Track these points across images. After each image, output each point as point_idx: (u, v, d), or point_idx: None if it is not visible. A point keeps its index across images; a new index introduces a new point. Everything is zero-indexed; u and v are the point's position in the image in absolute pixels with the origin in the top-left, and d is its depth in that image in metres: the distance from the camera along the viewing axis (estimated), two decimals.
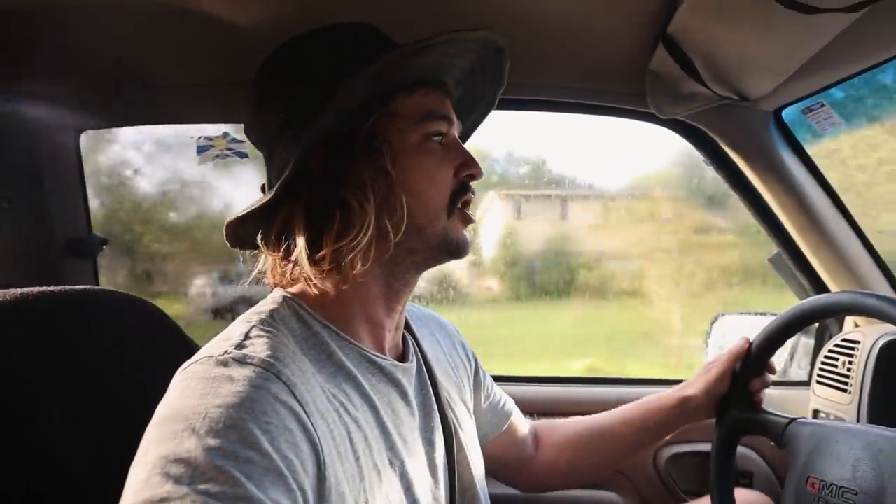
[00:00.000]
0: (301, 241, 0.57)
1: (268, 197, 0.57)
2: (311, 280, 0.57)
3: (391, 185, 0.58)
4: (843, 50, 0.81)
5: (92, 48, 0.97)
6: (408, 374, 0.65)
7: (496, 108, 0.77)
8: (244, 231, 0.62)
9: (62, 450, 0.57)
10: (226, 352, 0.49)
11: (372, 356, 0.61)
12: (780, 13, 0.66)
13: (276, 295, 0.61)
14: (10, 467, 0.53)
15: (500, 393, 0.91)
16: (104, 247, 1.28)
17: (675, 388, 0.91)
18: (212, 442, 0.40)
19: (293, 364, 0.50)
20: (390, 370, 0.62)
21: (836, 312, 0.80)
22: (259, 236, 0.63)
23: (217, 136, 1.23)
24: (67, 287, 0.68)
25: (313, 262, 0.56)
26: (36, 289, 0.64)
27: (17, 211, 1.13)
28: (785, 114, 1.10)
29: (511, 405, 0.92)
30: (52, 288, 0.66)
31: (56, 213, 1.22)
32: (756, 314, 1.49)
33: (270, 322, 0.55)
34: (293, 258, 0.58)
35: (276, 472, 0.42)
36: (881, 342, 1.06)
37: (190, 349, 0.76)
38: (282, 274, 0.61)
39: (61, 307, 0.66)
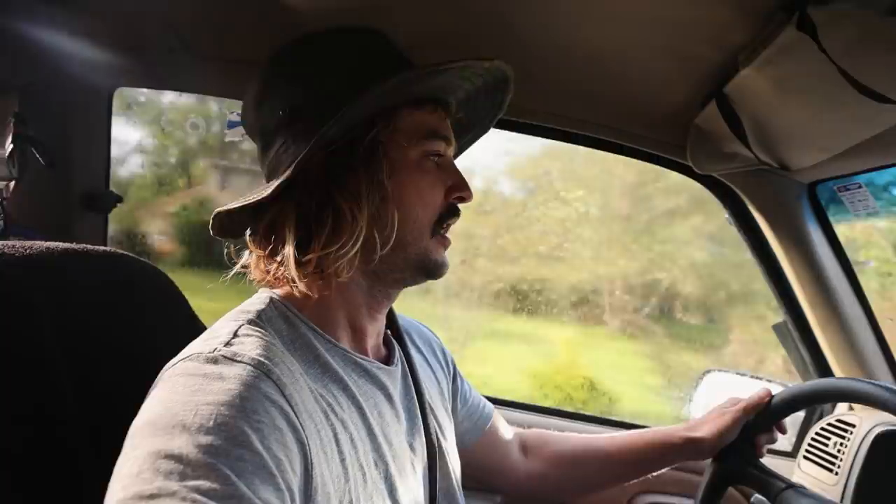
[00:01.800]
0: (290, 243, 0.57)
1: (264, 193, 0.56)
2: (294, 282, 0.57)
3: (385, 198, 0.58)
4: (888, 140, 0.81)
5: (141, 7, 0.96)
6: (392, 378, 0.65)
7: (541, 135, 0.77)
8: (231, 222, 0.61)
9: (63, 411, 0.55)
10: (215, 349, 0.49)
11: (357, 358, 0.61)
12: (848, 96, 0.66)
13: (263, 295, 0.61)
14: (9, 421, 0.51)
15: (478, 397, 0.91)
16: (118, 204, 1.27)
17: (682, 427, 0.91)
18: (203, 439, 0.40)
19: (282, 364, 0.50)
20: (375, 372, 0.63)
21: (871, 403, 0.77)
22: (248, 231, 0.63)
23: None
24: (89, 247, 0.66)
25: (299, 264, 0.56)
26: (60, 245, 0.62)
27: (44, 158, 1.11)
28: (819, 189, 1.10)
29: (491, 409, 0.92)
30: (75, 246, 0.64)
31: (78, 165, 1.21)
32: (744, 375, 1.50)
33: (258, 322, 0.55)
34: (279, 258, 0.58)
35: (265, 470, 0.42)
36: (877, 430, 1.05)
37: (195, 324, 0.76)
38: (265, 271, 0.60)
39: (85, 265, 0.64)
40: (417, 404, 0.69)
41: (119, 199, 1.27)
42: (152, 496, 0.37)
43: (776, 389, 0.91)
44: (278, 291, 0.61)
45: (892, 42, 0.60)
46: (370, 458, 0.57)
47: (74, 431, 0.55)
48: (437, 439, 0.70)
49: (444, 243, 0.64)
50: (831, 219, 1.12)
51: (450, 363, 0.86)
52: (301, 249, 0.57)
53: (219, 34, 1.03)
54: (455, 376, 0.86)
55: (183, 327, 0.73)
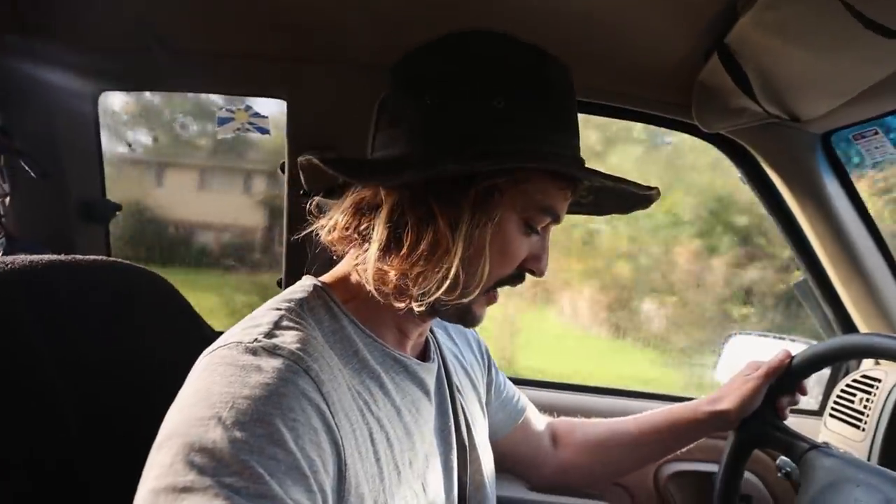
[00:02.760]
0: (376, 239, 0.54)
1: (383, 176, 0.54)
2: (368, 281, 0.55)
3: (482, 249, 0.55)
4: None
5: (118, 7, 0.95)
6: (430, 374, 0.65)
7: None
8: (316, 176, 0.58)
9: (65, 420, 0.56)
10: (255, 339, 0.48)
11: (397, 355, 0.60)
12: (855, 34, 0.62)
13: (307, 283, 0.59)
14: (12, 434, 0.52)
15: (512, 389, 0.90)
16: (117, 213, 1.26)
17: (704, 400, 0.89)
18: (238, 434, 0.40)
19: (322, 359, 0.49)
20: (415, 369, 0.62)
21: (891, 357, 0.76)
22: (341, 194, 0.59)
23: (239, 109, 1.22)
24: (78, 257, 0.66)
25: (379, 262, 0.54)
26: (45, 257, 0.62)
27: (34, 170, 1.11)
28: (834, 139, 1.06)
29: (525, 401, 0.92)
30: (62, 257, 0.64)
31: (71, 175, 1.20)
32: (770, 336, 1.47)
33: (300, 312, 0.54)
34: (363, 246, 0.56)
35: (298, 471, 0.41)
36: None
37: (200, 326, 0.76)
38: (344, 239, 0.58)
39: (71, 277, 0.64)
40: (450, 400, 0.68)
41: (117, 208, 1.25)
42: (185, 489, 0.37)
43: (798, 349, 0.89)
44: (326, 278, 0.60)
45: None
46: (406, 456, 0.56)
47: (77, 445, 0.56)
48: (469, 433, 0.70)
49: (491, 300, 0.61)
50: (848, 169, 1.08)
51: (485, 354, 0.85)
52: (385, 251, 0.54)
53: (197, 29, 1.02)
54: (490, 367, 0.86)
55: (186, 330, 0.73)
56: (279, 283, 1.27)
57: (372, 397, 0.55)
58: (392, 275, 0.54)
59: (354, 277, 0.60)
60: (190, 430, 0.40)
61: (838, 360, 0.81)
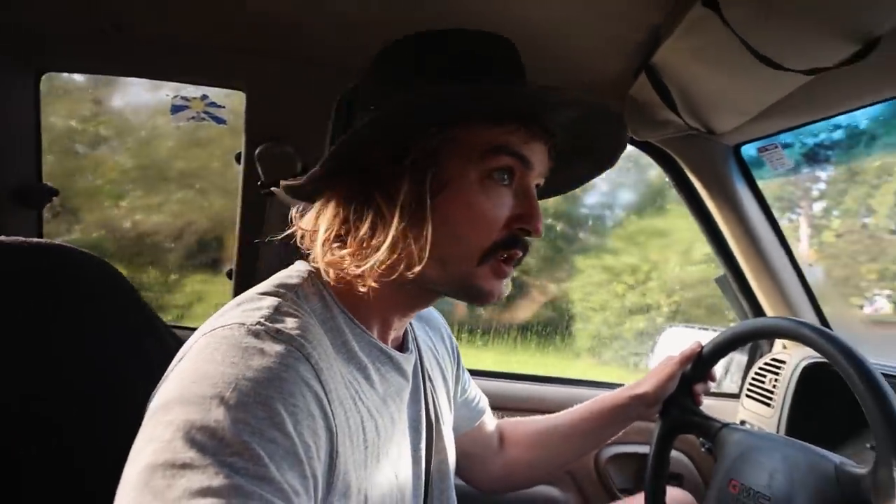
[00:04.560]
0: (322, 232, 0.56)
1: (312, 171, 0.55)
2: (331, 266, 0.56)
3: (422, 211, 0.53)
4: (799, 101, 0.90)
5: None
6: (409, 363, 0.65)
7: None
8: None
9: (11, 410, 0.54)
10: (258, 322, 0.48)
11: (382, 346, 0.61)
12: (751, 63, 0.73)
13: (302, 268, 0.59)
14: None
15: (475, 389, 0.93)
16: (53, 198, 1.20)
17: (626, 387, 0.97)
18: (241, 415, 0.40)
19: (320, 347, 0.50)
20: (399, 360, 0.62)
21: (776, 335, 0.88)
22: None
23: (195, 98, 1.21)
24: (11, 238, 0.61)
25: (331, 251, 0.56)
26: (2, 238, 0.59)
27: None
28: (744, 150, 1.20)
29: (484, 403, 0.95)
30: (18, 239, 0.60)
31: (4, 157, 1.14)
32: (700, 328, 1.61)
33: (296, 299, 0.54)
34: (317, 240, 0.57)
35: (295, 456, 0.42)
36: (803, 364, 1.18)
37: (149, 318, 0.71)
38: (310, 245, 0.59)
39: (28, 261, 0.61)
40: (423, 390, 0.70)
41: (54, 193, 1.19)
42: (184, 465, 0.36)
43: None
44: (317, 264, 0.59)
45: (783, 14, 0.67)
46: (387, 445, 0.57)
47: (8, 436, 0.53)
48: (437, 423, 0.71)
49: (499, 273, 0.58)
50: (756, 177, 1.22)
51: (455, 349, 0.86)
52: (339, 241, 0.56)
53: (154, 14, 0.99)
54: (458, 364, 0.86)
55: (133, 320, 0.69)
56: (229, 275, 1.26)
57: (360, 387, 0.56)
58: (347, 262, 0.55)
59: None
60: (191, 408, 0.40)
61: (736, 345, 0.90)
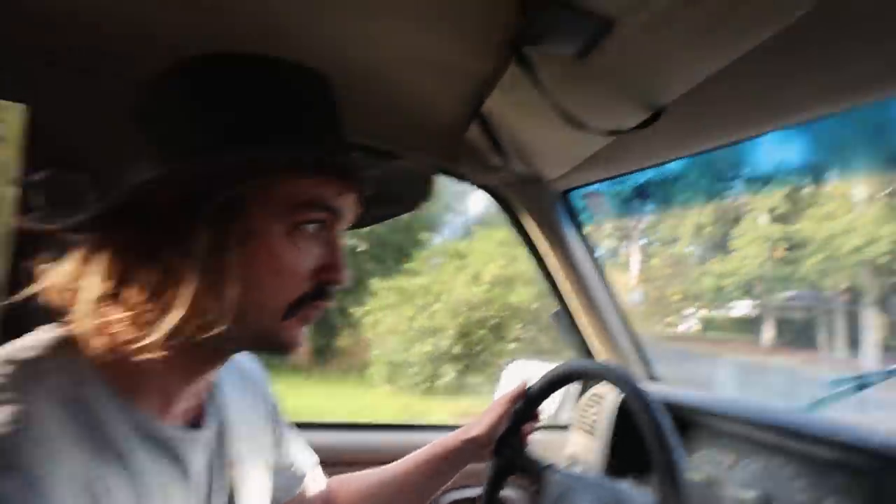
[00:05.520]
0: (94, 287, 0.48)
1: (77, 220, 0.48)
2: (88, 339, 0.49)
3: (224, 271, 0.48)
4: (617, 154, 0.99)
5: None
6: (195, 444, 0.58)
7: None
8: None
9: None
10: None
11: (152, 427, 0.52)
12: (561, 121, 0.77)
13: (45, 336, 0.50)
14: None
15: (297, 452, 0.85)
16: None
17: (459, 430, 0.95)
18: None
19: (36, 449, 0.42)
20: (174, 445, 0.54)
21: (590, 377, 0.92)
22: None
23: None
24: None
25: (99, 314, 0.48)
26: None
27: None
28: (572, 196, 1.29)
29: (307, 466, 0.87)
30: None
31: None
32: (542, 361, 1.68)
33: (28, 375, 0.46)
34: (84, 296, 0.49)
35: None
36: (621, 397, 1.27)
37: None
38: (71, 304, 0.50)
39: None
40: (227, 466, 0.62)
41: None
42: None
43: None
44: (73, 328, 0.50)
45: (584, 80, 0.72)
46: None
47: None
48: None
49: (305, 322, 0.55)
50: (583, 221, 1.32)
51: (274, 408, 0.79)
52: (111, 300, 0.48)
53: None
54: (277, 426, 0.79)
55: None
56: None
57: (112, 480, 0.48)
58: (121, 326, 0.48)
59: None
60: None
61: (556, 386, 0.93)
